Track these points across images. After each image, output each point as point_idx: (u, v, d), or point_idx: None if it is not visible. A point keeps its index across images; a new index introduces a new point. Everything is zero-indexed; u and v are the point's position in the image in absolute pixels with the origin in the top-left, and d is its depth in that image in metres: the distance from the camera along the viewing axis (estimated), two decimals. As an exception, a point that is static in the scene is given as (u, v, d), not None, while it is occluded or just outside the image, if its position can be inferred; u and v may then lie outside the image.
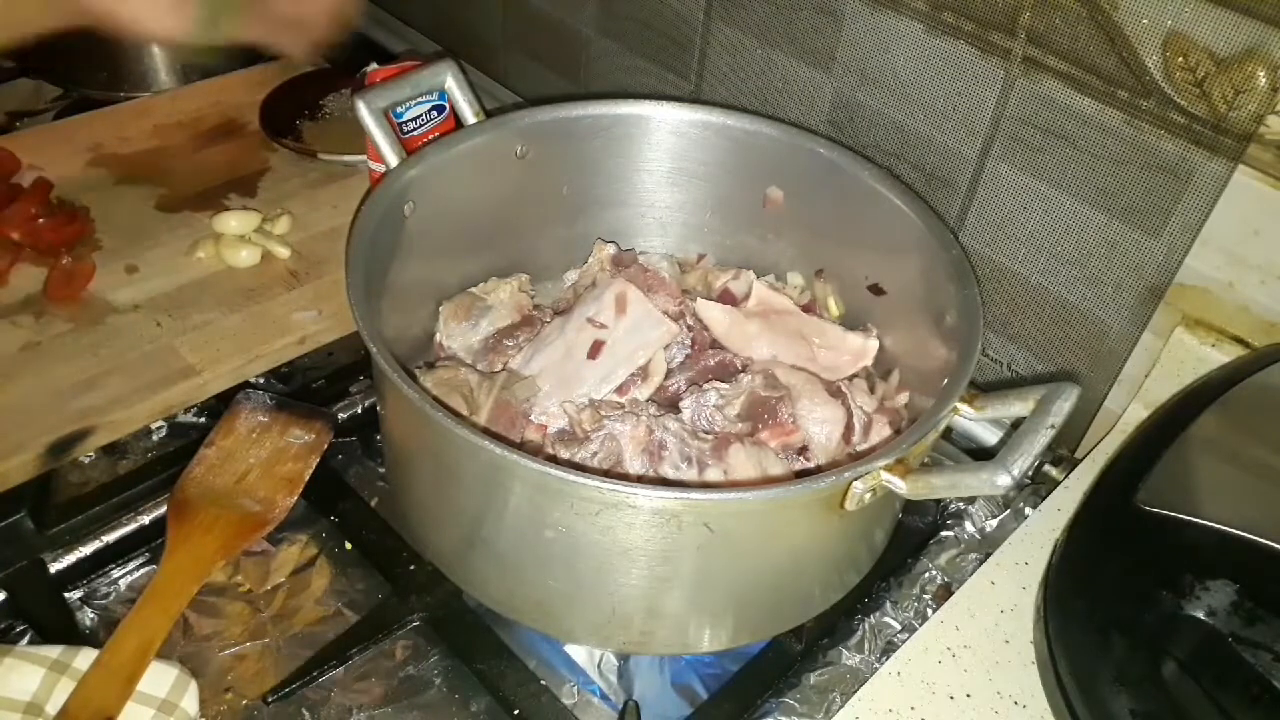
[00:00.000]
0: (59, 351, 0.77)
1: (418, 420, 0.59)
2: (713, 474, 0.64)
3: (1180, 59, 0.61)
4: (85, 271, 0.83)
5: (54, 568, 0.67)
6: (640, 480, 0.64)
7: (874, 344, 0.75)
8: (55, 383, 0.75)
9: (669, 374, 0.73)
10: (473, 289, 0.79)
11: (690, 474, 0.64)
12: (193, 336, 0.80)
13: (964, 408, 0.59)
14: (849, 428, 0.68)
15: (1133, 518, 0.56)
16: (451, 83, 0.78)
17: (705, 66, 0.91)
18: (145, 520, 0.70)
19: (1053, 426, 0.55)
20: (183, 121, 1.03)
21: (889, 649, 0.67)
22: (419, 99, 0.84)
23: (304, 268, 0.88)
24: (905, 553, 0.72)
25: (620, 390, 0.71)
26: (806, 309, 0.78)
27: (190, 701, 0.60)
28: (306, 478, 0.72)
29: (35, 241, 0.84)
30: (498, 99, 1.11)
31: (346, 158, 0.98)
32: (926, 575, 0.71)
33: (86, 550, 0.68)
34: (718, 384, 0.69)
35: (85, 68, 1.09)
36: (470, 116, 0.78)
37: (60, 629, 0.63)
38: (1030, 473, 0.55)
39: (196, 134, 1.02)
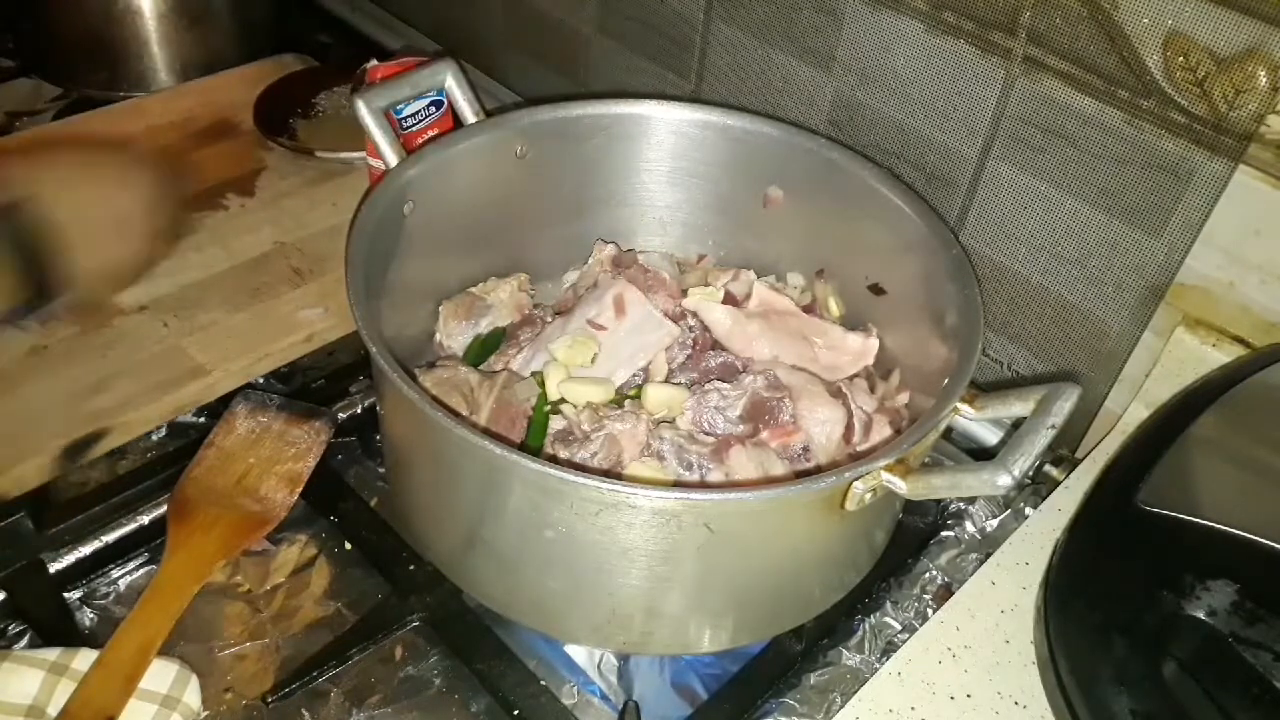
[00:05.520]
0: (67, 355, 0.77)
1: (418, 420, 0.59)
2: (714, 477, 0.64)
3: (1181, 59, 0.61)
4: (86, 272, 0.83)
5: (54, 568, 0.67)
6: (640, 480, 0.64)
7: (874, 344, 0.75)
8: (65, 386, 0.75)
9: (670, 375, 0.73)
10: (473, 289, 0.79)
11: (692, 479, 0.64)
12: (200, 336, 0.80)
13: (964, 408, 0.59)
14: (849, 428, 0.68)
15: (1133, 518, 0.56)
16: (451, 82, 0.78)
17: (705, 66, 0.91)
18: (145, 520, 0.70)
19: (1053, 426, 0.55)
20: (175, 121, 1.03)
21: (889, 649, 0.67)
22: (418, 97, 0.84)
23: (307, 265, 0.88)
24: (905, 553, 0.72)
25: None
26: (807, 309, 0.78)
27: (193, 696, 0.60)
28: (306, 477, 0.72)
29: (35, 242, 0.84)
30: (498, 98, 1.11)
31: (343, 155, 0.98)
32: (927, 575, 0.71)
33: (86, 550, 0.68)
34: (719, 384, 0.69)
35: (85, 67, 1.09)
36: (470, 116, 0.78)
37: (60, 629, 0.63)
38: (1031, 473, 0.55)
39: (191, 133, 1.02)
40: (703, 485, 0.63)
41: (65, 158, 0.76)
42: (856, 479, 0.54)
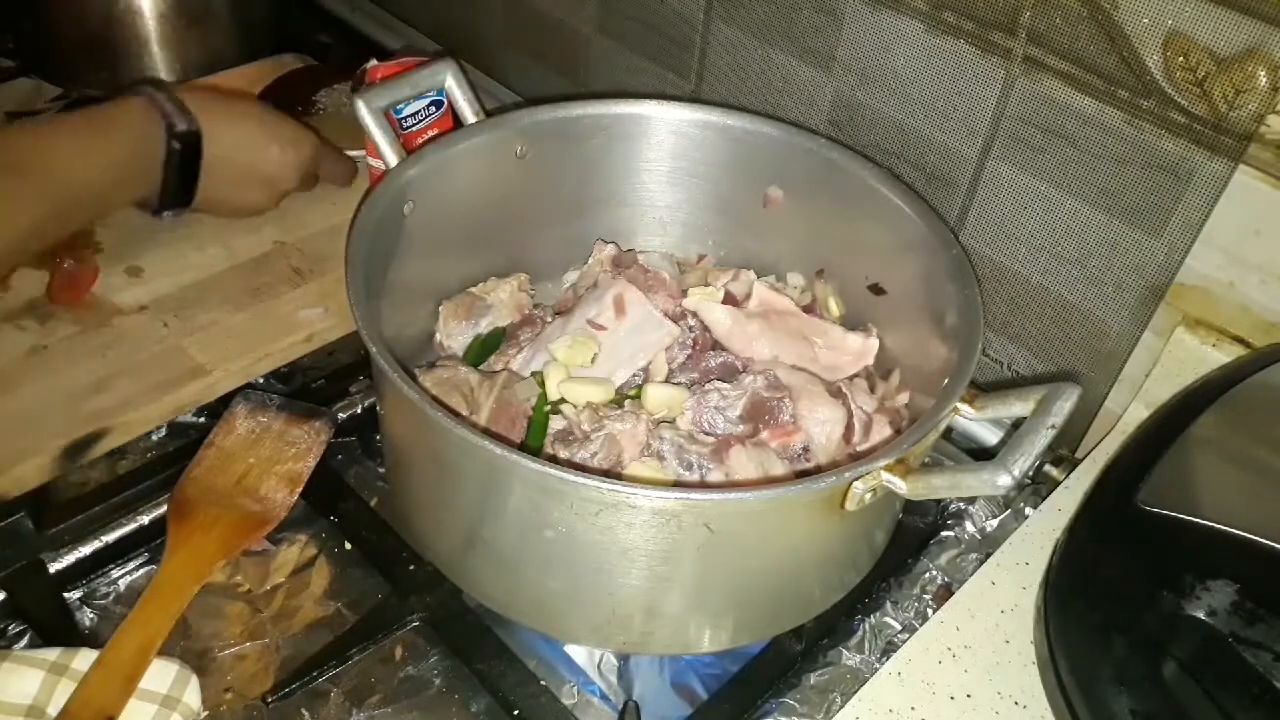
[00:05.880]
0: (67, 354, 0.77)
1: (418, 420, 0.59)
2: (714, 477, 0.64)
3: (1181, 58, 0.61)
4: (89, 274, 0.83)
5: (53, 568, 0.67)
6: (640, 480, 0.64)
7: (874, 344, 0.75)
8: (65, 385, 0.75)
9: (670, 375, 0.73)
10: (473, 289, 0.79)
11: (692, 479, 0.64)
12: (200, 336, 0.80)
13: (964, 408, 0.59)
14: (849, 428, 0.68)
15: (1133, 518, 0.56)
16: (451, 82, 0.78)
17: (705, 66, 0.91)
18: (145, 520, 0.70)
19: (1053, 427, 0.55)
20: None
21: (889, 649, 0.67)
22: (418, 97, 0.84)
23: (307, 265, 0.88)
24: (905, 553, 0.72)
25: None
26: (807, 309, 0.78)
27: (193, 696, 0.60)
28: (306, 477, 0.72)
29: (33, 243, 0.84)
30: (498, 98, 1.11)
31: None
32: (927, 575, 0.71)
33: (86, 550, 0.68)
34: (719, 384, 0.69)
35: (85, 67, 1.09)
36: (470, 116, 0.78)
37: (60, 629, 0.63)
38: (1031, 473, 0.55)
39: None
40: (703, 485, 0.63)
41: (245, 109, 0.86)
42: (856, 479, 0.54)
